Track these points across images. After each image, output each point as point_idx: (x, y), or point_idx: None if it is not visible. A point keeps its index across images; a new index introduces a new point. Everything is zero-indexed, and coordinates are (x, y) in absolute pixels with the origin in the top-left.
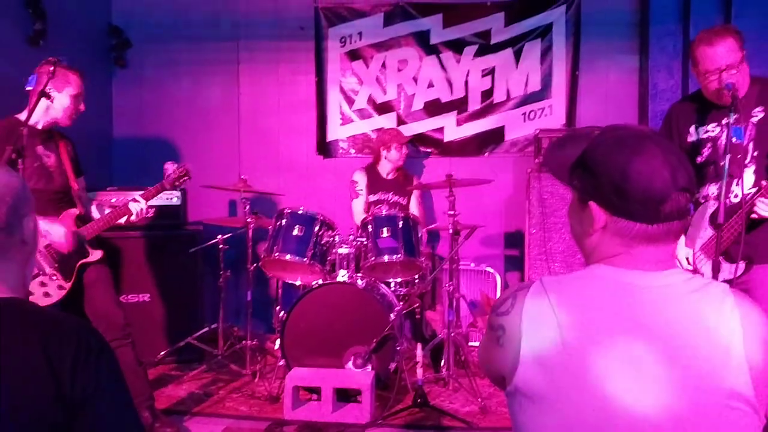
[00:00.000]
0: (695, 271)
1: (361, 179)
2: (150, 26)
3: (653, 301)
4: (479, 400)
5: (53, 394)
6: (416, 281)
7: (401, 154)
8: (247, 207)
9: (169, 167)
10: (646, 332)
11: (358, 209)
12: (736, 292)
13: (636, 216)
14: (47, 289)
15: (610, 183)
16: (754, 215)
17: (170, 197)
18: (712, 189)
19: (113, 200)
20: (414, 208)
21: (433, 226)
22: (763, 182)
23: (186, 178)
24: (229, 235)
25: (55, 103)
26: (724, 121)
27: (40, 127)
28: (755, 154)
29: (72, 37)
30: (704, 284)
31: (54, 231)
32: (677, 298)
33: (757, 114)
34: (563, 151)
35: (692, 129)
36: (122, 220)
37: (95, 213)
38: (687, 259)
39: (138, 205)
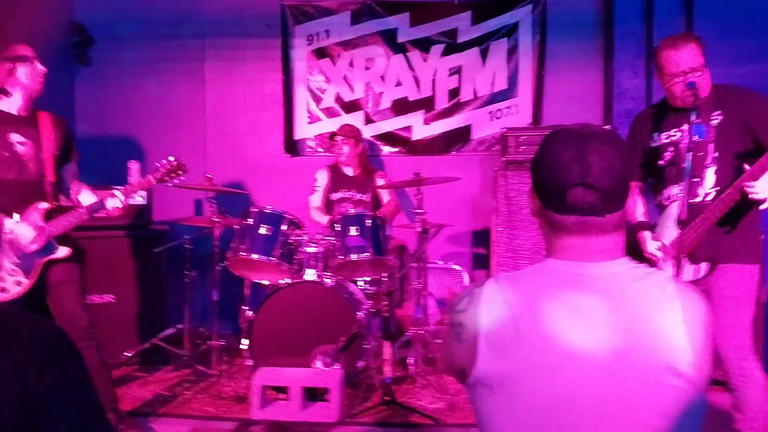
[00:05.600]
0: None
1: (321, 177)
2: (114, 23)
3: (598, 289)
4: (447, 396)
5: (18, 395)
6: (385, 279)
7: (348, 148)
8: (214, 206)
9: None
10: (591, 318)
11: (313, 204)
12: (678, 280)
13: (550, 204)
14: (4, 285)
15: (533, 166)
16: (753, 195)
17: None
18: (674, 190)
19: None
20: (386, 199)
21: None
22: (746, 166)
23: (180, 171)
24: (195, 234)
25: (18, 74)
26: (684, 126)
27: (15, 112)
28: (716, 155)
29: (33, 34)
30: (648, 273)
31: (20, 231)
32: (621, 286)
33: (716, 117)
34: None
35: (654, 135)
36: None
37: (88, 198)
38: (657, 249)
39: (114, 201)
